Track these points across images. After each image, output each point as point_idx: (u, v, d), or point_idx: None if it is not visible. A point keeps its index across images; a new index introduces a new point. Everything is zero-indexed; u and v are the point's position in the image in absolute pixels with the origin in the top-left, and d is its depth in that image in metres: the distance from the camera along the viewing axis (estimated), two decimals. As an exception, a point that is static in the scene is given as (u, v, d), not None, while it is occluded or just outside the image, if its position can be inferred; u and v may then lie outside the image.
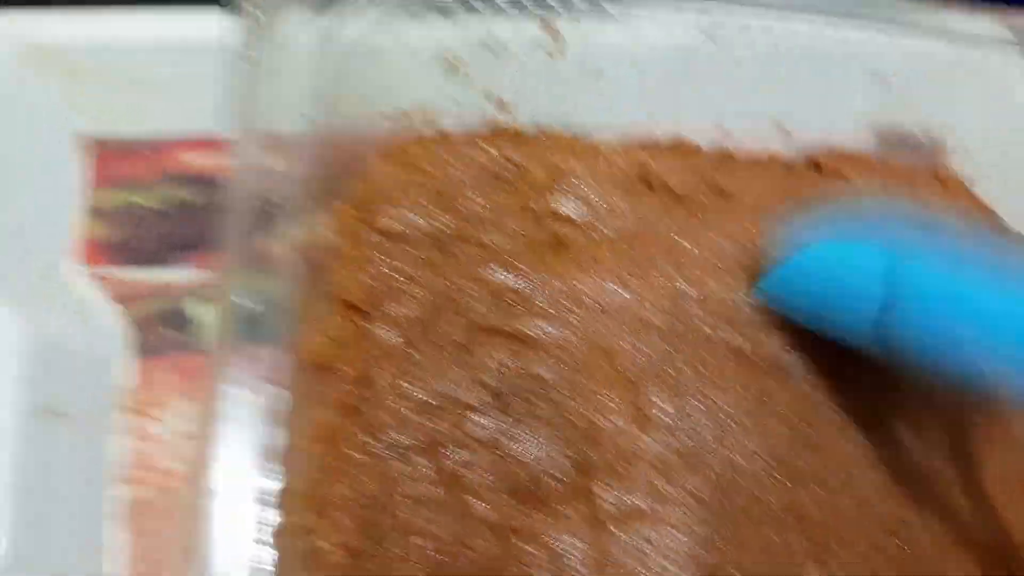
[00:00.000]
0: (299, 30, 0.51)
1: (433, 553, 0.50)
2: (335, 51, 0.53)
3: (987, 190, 0.67)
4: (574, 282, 0.58)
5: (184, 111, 0.67)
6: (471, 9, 0.55)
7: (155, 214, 0.68)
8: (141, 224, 0.68)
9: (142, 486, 0.56)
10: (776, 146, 0.65)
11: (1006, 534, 0.56)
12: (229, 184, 0.47)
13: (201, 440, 0.42)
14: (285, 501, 0.46)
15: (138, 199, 0.68)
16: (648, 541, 0.52)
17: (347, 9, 0.53)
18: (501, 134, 0.62)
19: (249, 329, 0.47)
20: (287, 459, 0.48)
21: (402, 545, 0.50)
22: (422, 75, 0.58)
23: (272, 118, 0.49)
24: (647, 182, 0.62)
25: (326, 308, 0.55)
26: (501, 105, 0.61)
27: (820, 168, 0.65)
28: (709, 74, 0.61)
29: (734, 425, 0.55)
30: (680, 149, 0.64)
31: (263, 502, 0.44)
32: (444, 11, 0.55)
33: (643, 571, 0.51)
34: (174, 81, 0.66)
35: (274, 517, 0.44)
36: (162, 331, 0.64)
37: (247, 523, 0.43)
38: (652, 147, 0.63)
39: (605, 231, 0.60)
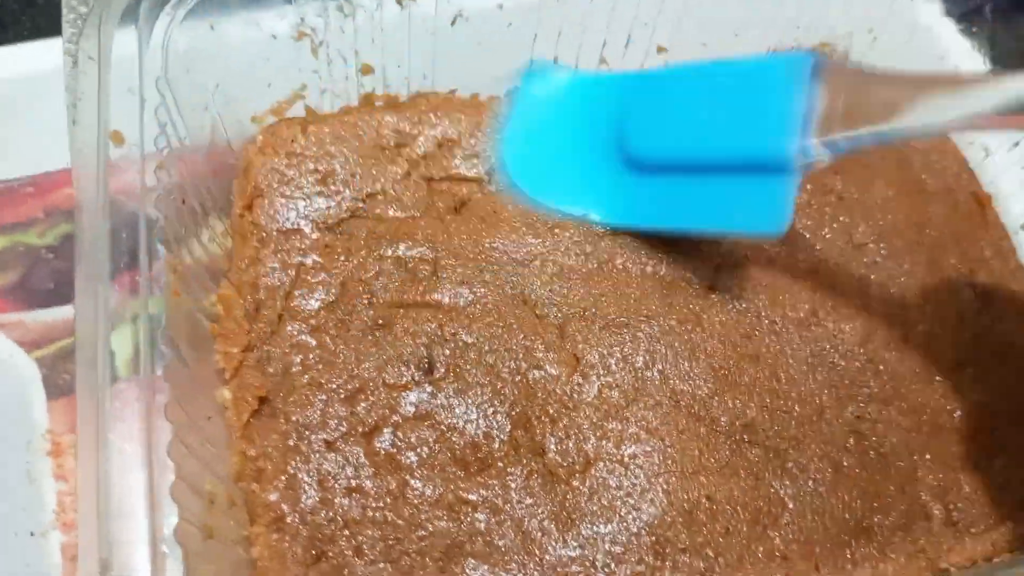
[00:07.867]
0: (131, 31, 0.47)
1: (389, 543, 0.48)
2: (177, 49, 0.49)
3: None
4: (483, 239, 0.56)
5: (57, 143, 0.64)
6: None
7: (46, 251, 0.65)
8: (34, 264, 0.65)
9: (73, 530, 0.54)
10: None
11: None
12: (81, 212, 0.43)
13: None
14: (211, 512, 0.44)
15: (25, 239, 0.65)
16: (609, 484, 0.51)
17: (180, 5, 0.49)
18: (374, 102, 0.59)
19: (152, 350, 0.44)
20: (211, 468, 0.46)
21: (350, 541, 0.48)
22: (277, 55, 0.54)
23: (120, 130, 0.45)
24: (539, 124, 0.60)
25: (230, 314, 0.52)
26: (368, 71, 0.57)
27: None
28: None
29: (667, 351, 0.54)
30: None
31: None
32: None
33: (615, 516, 0.50)
34: (40, 114, 0.62)
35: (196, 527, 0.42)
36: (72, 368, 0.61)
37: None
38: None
39: (503, 182, 0.58)
